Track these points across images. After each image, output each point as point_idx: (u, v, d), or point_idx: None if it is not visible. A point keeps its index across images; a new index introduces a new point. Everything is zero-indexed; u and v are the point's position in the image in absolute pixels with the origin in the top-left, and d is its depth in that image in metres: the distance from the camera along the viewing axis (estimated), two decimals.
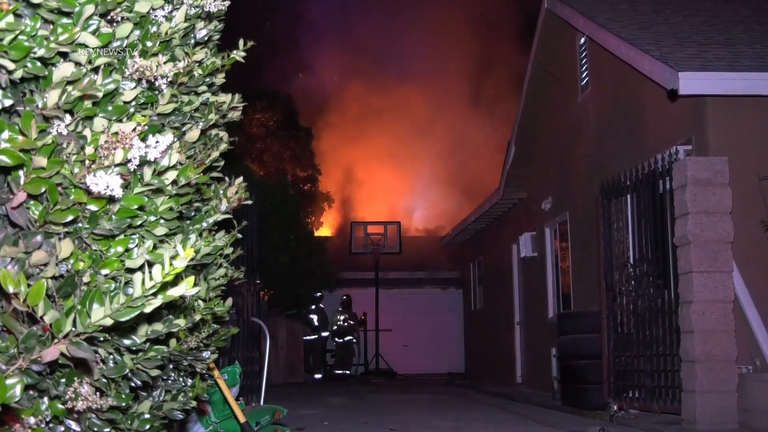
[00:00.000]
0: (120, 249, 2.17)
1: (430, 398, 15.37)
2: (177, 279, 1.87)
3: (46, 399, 2.11)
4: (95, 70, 2.10)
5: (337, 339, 24.00)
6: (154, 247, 2.22)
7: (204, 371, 3.08)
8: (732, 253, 8.31)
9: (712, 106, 9.19)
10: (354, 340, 24.20)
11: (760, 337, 8.53)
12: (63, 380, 2.12)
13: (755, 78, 9.17)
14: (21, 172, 1.95)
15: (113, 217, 2.16)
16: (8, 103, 1.97)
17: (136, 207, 2.18)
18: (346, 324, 23.99)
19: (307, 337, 23.16)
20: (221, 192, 3.09)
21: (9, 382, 1.75)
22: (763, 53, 9.93)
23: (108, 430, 2.28)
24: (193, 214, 2.92)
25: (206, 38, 2.78)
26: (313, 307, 23.58)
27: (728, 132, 9.16)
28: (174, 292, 1.85)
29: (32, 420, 2.06)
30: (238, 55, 2.87)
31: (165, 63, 2.27)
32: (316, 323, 23.37)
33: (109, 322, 1.85)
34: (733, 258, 8.34)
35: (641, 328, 9.56)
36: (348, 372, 23.79)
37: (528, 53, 15.93)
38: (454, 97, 43.54)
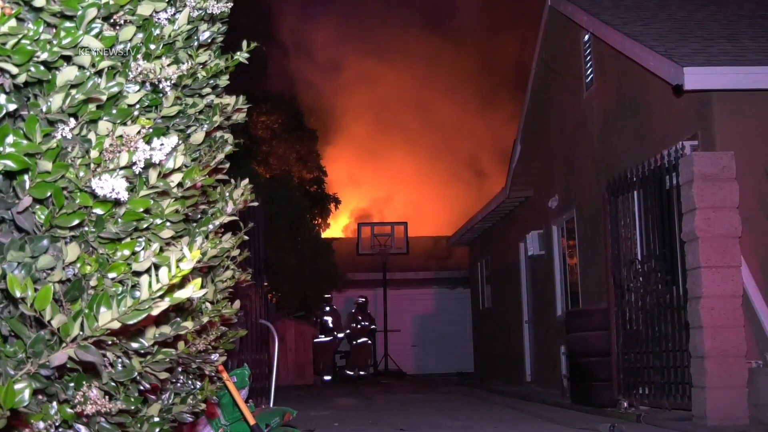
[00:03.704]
0: (126, 252, 2.17)
1: (439, 398, 15.35)
2: (184, 281, 1.86)
3: (54, 403, 2.11)
4: (99, 73, 2.10)
5: (353, 341, 23.97)
6: (161, 249, 2.22)
7: (213, 374, 3.08)
8: (740, 248, 8.28)
9: (717, 101, 9.16)
10: (369, 342, 24.19)
11: None
12: (71, 384, 2.12)
13: (760, 72, 9.14)
14: (26, 177, 1.95)
15: (119, 220, 2.16)
16: (12, 107, 1.97)
17: (141, 210, 2.17)
18: (359, 326, 23.97)
19: (318, 339, 23.12)
20: (227, 194, 3.09)
21: (17, 386, 1.75)
22: None
23: None
24: (199, 216, 2.91)
25: (209, 40, 2.77)
26: (327, 308, 23.56)
27: (734, 126, 9.13)
28: (181, 295, 1.85)
29: (41, 424, 2.06)
30: (241, 56, 2.86)
31: (168, 65, 2.27)
32: (331, 325, 23.34)
33: (116, 325, 1.85)
34: (742, 253, 8.31)
35: (650, 324, 9.53)
36: (363, 373, 23.76)
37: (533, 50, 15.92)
38: (460, 95, 43.52)
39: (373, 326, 24.31)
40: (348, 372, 23.84)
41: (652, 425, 8.74)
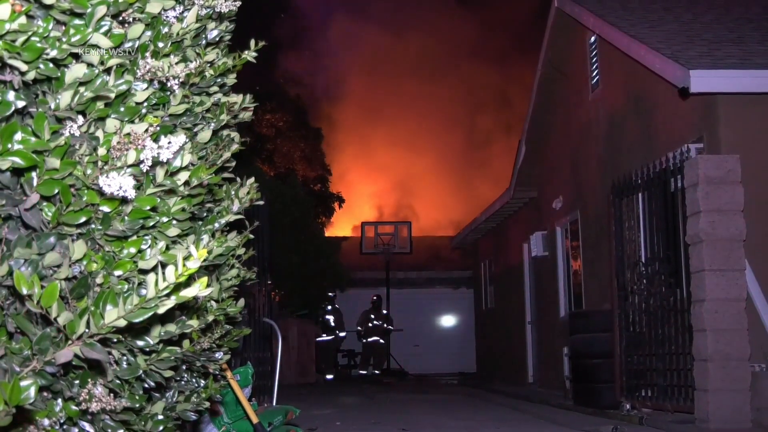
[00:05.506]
0: (133, 250, 2.17)
1: (441, 398, 15.35)
2: (190, 280, 1.86)
3: (60, 400, 2.11)
4: (107, 71, 2.10)
5: (366, 339, 23.90)
6: (167, 248, 2.22)
7: (217, 372, 3.08)
8: (744, 251, 8.26)
9: (723, 104, 9.15)
10: (381, 341, 24.13)
11: None
12: (77, 382, 2.12)
13: (766, 75, 9.12)
14: (34, 174, 1.95)
15: (126, 218, 2.16)
16: (21, 104, 1.97)
17: (148, 208, 2.17)
18: (372, 325, 23.93)
19: (321, 338, 23.09)
20: (233, 193, 3.09)
21: (23, 383, 1.75)
22: None
23: (122, 431, 2.28)
24: (205, 214, 2.91)
25: (217, 39, 2.77)
26: (329, 307, 23.51)
27: (740, 130, 9.11)
28: (187, 293, 1.85)
29: (46, 422, 2.06)
30: (249, 55, 2.86)
31: (177, 64, 2.27)
32: (333, 323, 23.32)
33: (122, 323, 1.85)
34: (746, 256, 8.30)
35: (653, 326, 9.53)
36: (377, 372, 23.71)
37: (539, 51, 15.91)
38: (463, 95, 43.49)
39: (388, 326, 24.18)
40: (360, 371, 23.72)
41: (654, 428, 8.73)
